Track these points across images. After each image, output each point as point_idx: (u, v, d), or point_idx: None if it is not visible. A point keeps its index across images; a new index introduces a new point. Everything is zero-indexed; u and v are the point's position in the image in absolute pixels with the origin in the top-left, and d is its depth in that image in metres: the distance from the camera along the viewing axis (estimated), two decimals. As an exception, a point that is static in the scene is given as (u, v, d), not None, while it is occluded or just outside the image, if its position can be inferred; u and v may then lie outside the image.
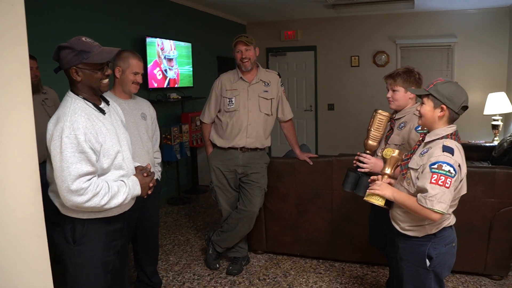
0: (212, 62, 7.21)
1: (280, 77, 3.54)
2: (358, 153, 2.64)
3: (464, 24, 7.03)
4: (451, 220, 2.10)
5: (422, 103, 2.06)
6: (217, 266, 3.66)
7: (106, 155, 1.87)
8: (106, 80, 1.92)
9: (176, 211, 5.35)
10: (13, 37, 1.57)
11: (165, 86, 5.58)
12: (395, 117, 2.65)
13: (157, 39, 5.38)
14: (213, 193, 3.59)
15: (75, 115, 1.79)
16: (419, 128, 2.33)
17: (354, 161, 2.65)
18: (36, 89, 3.30)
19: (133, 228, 2.83)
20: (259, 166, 3.48)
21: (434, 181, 1.89)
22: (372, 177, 2.24)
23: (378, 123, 2.57)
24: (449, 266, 2.13)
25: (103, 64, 1.88)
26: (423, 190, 1.94)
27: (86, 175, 1.77)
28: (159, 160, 3.04)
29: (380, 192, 2.12)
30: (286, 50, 8.19)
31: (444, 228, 2.07)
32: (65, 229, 1.89)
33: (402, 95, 2.59)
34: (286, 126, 3.63)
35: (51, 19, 4.02)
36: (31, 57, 3.26)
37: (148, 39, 5.21)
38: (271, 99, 3.44)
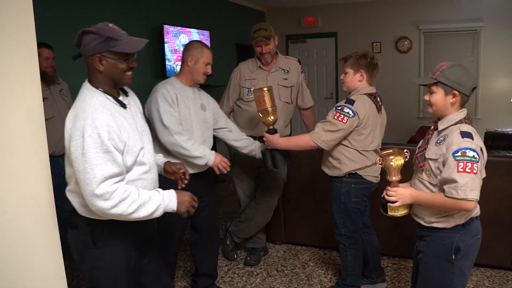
0: (231, 50, 7.13)
1: (300, 63, 3.45)
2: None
3: (491, 8, 6.74)
4: (477, 211, 2.01)
5: (431, 92, 1.98)
6: (235, 256, 3.63)
7: (130, 152, 1.74)
8: (129, 72, 1.76)
9: (194, 200, 5.32)
10: (21, 25, 1.55)
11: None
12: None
13: (180, 27, 5.37)
14: (231, 182, 3.55)
15: (97, 112, 1.63)
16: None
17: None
18: (52, 80, 3.29)
19: (184, 230, 2.87)
20: (278, 157, 3.41)
21: (462, 169, 1.81)
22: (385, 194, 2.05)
23: (271, 97, 2.68)
24: (473, 260, 2.04)
25: (130, 55, 1.72)
26: (450, 181, 1.84)
27: (112, 177, 1.62)
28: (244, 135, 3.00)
29: (401, 201, 2.00)
30: (306, 37, 8.05)
31: (472, 218, 1.98)
32: (83, 231, 1.76)
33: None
34: (306, 114, 3.55)
35: (63, 6, 3.97)
36: (48, 46, 3.23)
37: (171, 28, 5.19)
38: (291, 86, 3.35)
